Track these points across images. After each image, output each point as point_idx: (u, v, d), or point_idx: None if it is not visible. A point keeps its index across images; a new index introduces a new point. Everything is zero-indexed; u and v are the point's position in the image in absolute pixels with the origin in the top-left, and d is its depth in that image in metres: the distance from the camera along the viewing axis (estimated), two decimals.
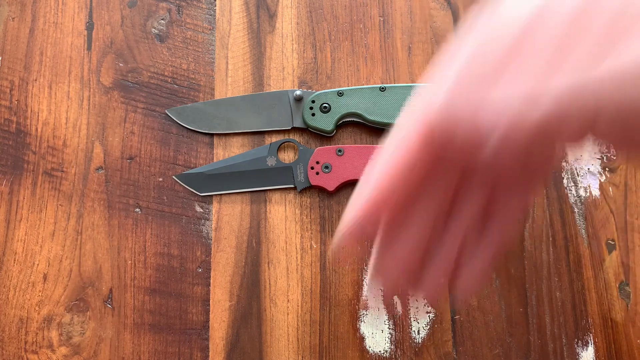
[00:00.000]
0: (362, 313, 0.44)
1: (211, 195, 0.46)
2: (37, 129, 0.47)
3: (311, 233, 0.45)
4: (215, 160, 0.47)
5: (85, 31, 0.50)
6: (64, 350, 0.43)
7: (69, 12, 0.50)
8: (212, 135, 0.48)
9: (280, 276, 0.44)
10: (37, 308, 0.43)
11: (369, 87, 0.47)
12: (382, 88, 0.46)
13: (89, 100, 0.48)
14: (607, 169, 0.47)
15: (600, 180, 0.47)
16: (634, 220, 0.46)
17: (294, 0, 0.51)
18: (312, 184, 0.45)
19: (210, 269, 0.45)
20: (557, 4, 0.18)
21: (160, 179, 0.47)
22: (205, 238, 0.45)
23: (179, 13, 0.51)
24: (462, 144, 0.19)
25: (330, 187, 0.45)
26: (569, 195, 0.46)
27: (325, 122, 0.46)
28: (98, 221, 0.45)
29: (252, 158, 0.46)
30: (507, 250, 0.45)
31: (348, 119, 0.47)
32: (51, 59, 0.49)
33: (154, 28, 0.50)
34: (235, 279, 0.44)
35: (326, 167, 0.45)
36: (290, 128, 0.47)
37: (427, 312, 0.44)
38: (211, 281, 0.44)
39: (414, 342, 0.43)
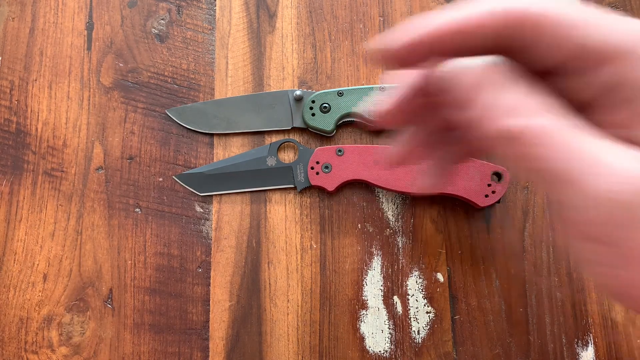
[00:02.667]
0: (362, 313, 0.44)
1: (211, 195, 0.46)
2: (37, 129, 0.47)
3: (311, 233, 0.45)
4: (215, 160, 0.47)
5: (85, 31, 0.50)
6: (64, 350, 0.43)
7: (69, 12, 0.50)
8: (212, 135, 0.48)
9: (280, 276, 0.44)
10: (37, 308, 0.43)
11: (369, 87, 0.47)
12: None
13: (89, 100, 0.48)
14: None
15: None
16: None
17: (294, 0, 0.51)
18: (312, 184, 0.45)
19: (210, 269, 0.45)
20: None
21: (160, 179, 0.47)
22: (205, 238, 0.45)
23: (179, 13, 0.51)
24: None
25: (330, 187, 0.45)
26: None
27: (325, 122, 0.46)
28: (98, 221, 0.45)
29: (252, 158, 0.46)
30: (508, 254, 0.45)
31: (348, 119, 0.47)
32: (51, 59, 0.49)
33: (154, 28, 0.50)
34: (235, 279, 0.44)
35: (326, 167, 0.45)
36: (290, 128, 0.47)
37: (427, 312, 0.44)
38: (211, 281, 0.44)
39: (414, 342, 0.43)
